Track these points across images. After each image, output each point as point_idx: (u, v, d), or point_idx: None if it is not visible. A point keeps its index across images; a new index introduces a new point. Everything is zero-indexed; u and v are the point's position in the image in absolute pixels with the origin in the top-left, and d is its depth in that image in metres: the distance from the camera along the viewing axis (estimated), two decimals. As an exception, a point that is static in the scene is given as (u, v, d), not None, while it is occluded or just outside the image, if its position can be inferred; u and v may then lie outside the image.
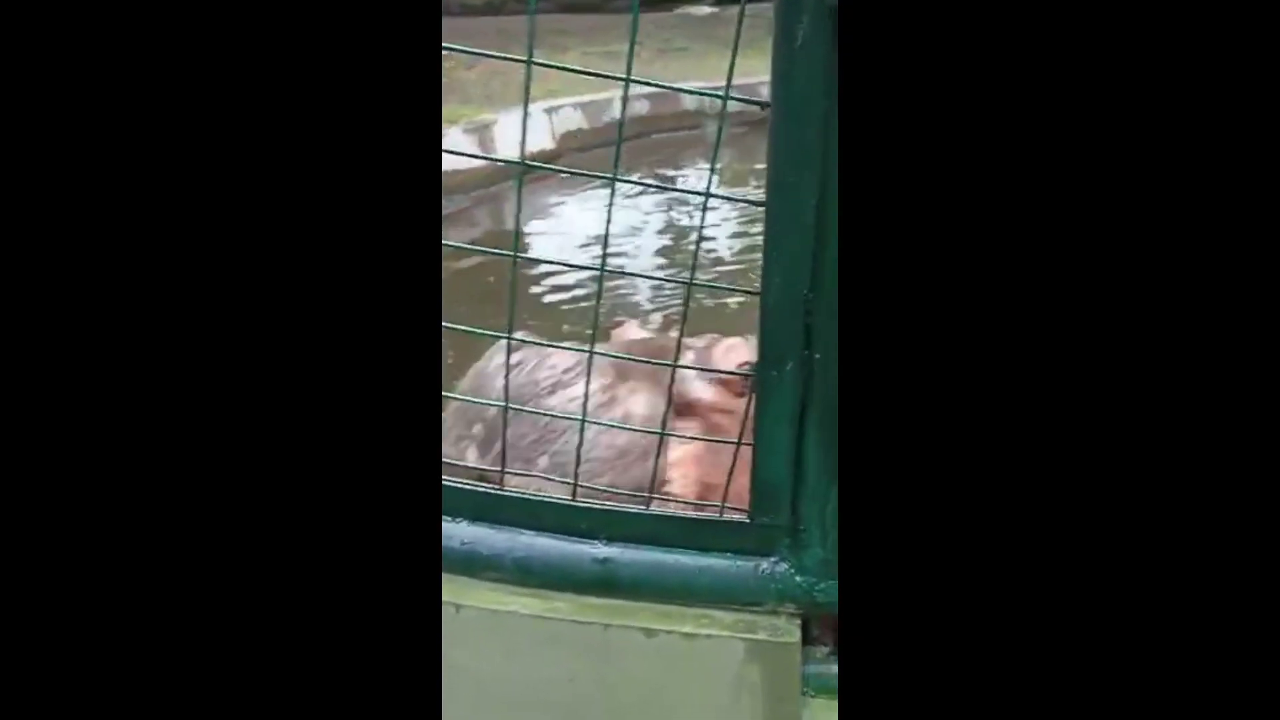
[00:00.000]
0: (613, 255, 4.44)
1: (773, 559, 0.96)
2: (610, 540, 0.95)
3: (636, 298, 3.81)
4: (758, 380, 0.87)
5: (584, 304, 3.58)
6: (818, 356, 0.84)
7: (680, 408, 1.42)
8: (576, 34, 7.19)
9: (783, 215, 0.79)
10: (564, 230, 4.63)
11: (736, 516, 0.95)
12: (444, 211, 4.53)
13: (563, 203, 4.85)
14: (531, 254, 4.33)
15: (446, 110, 5.05)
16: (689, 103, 5.91)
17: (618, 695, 0.96)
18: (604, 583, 0.95)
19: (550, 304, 3.60)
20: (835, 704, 1.01)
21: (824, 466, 0.89)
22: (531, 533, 0.95)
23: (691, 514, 0.99)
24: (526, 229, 4.59)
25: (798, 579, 0.95)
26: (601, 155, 5.15)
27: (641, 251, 4.47)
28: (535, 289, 3.71)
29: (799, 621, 0.97)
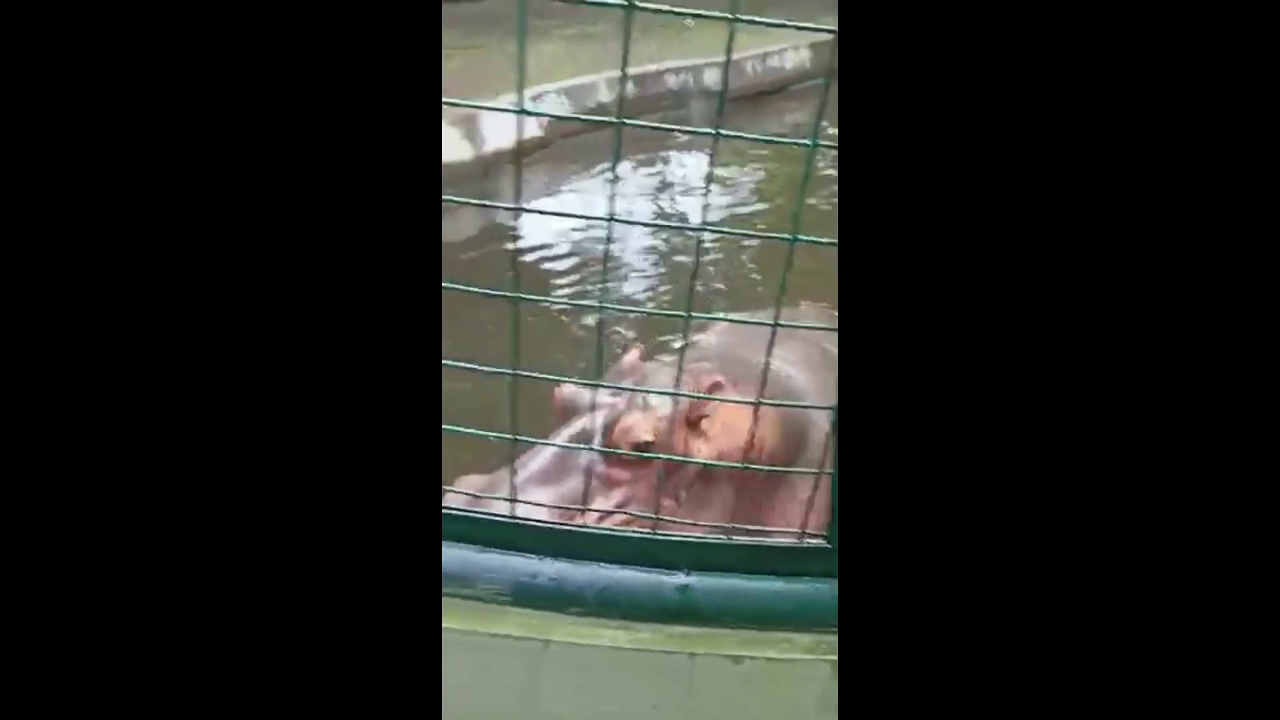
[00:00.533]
0: (603, 241, 4.47)
1: (850, 580, 0.97)
2: (690, 569, 0.96)
3: (627, 288, 3.88)
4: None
5: (572, 286, 3.65)
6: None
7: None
8: (554, 16, 7.07)
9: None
10: (555, 216, 4.65)
11: (816, 541, 0.97)
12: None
13: (556, 191, 4.82)
14: (523, 239, 4.35)
15: (432, 101, 4.96)
16: (672, 83, 5.87)
17: (702, 720, 0.98)
18: (686, 612, 0.96)
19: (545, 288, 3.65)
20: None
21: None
22: (614, 565, 0.96)
23: (770, 541, 1.00)
24: (519, 217, 4.58)
25: (875, 599, 0.97)
26: (590, 141, 5.11)
27: (630, 239, 4.52)
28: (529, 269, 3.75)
29: (876, 639, 0.99)
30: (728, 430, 1.62)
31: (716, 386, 1.55)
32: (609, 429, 1.56)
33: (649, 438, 1.53)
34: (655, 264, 4.05)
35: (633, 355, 1.86)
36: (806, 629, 0.97)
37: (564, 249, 4.07)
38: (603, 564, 0.96)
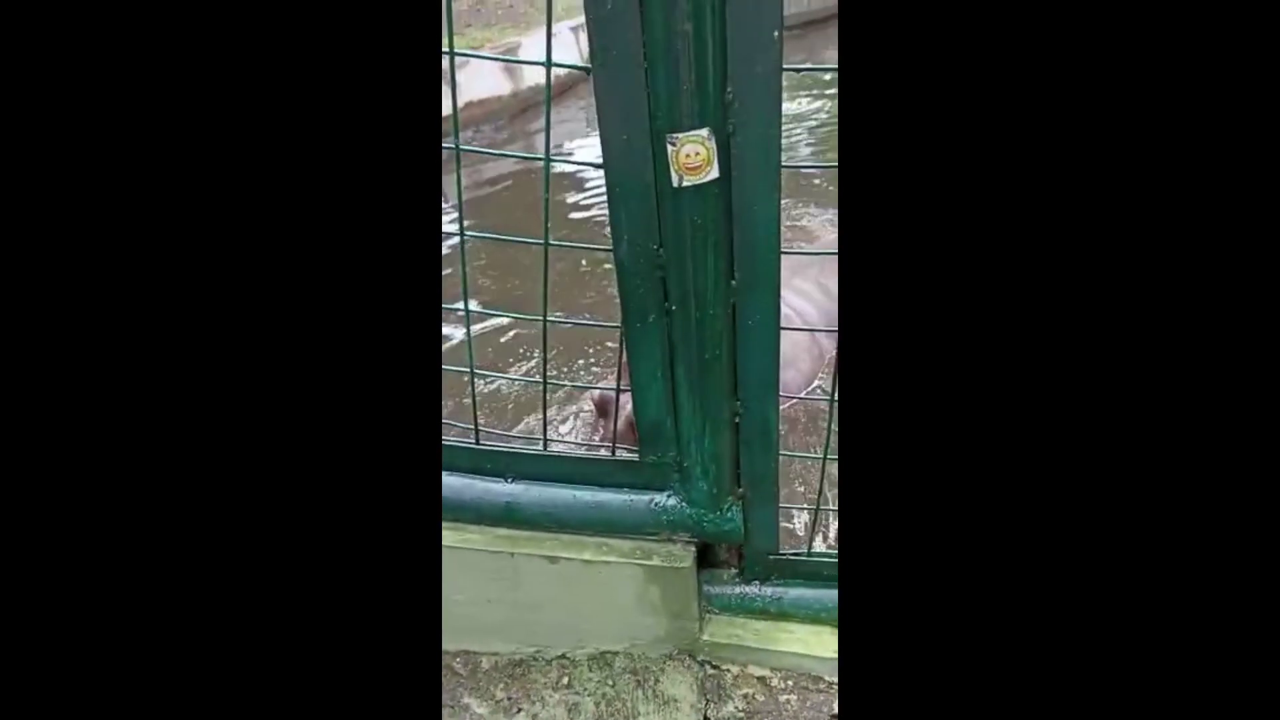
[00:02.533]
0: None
1: (665, 493, 1.03)
2: (514, 478, 1.04)
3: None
4: (624, 333, 0.92)
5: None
6: (674, 309, 0.88)
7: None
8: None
9: (622, 177, 0.82)
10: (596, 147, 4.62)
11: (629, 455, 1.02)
12: (477, 142, 4.58)
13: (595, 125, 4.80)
14: (570, 169, 4.36)
15: (473, 35, 5.01)
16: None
17: (531, 614, 1.07)
18: (509, 516, 1.04)
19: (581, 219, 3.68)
20: (735, 620, 1.09)
21: (695, 408, 0.94)
22: (445, 473, 1.05)
23: (587, 454, 1.06)
24: (562, 149, 4.61)
25: (687, 510, 1.02)
26: (631, 71, 5.03)
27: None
28: (571, 196, 3.78)
29: (693, 549, 1.04)
30: None
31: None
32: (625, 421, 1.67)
33: None
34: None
35: None
36: (621, 535, 1.04)
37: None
38: (435, 471, 1.05)
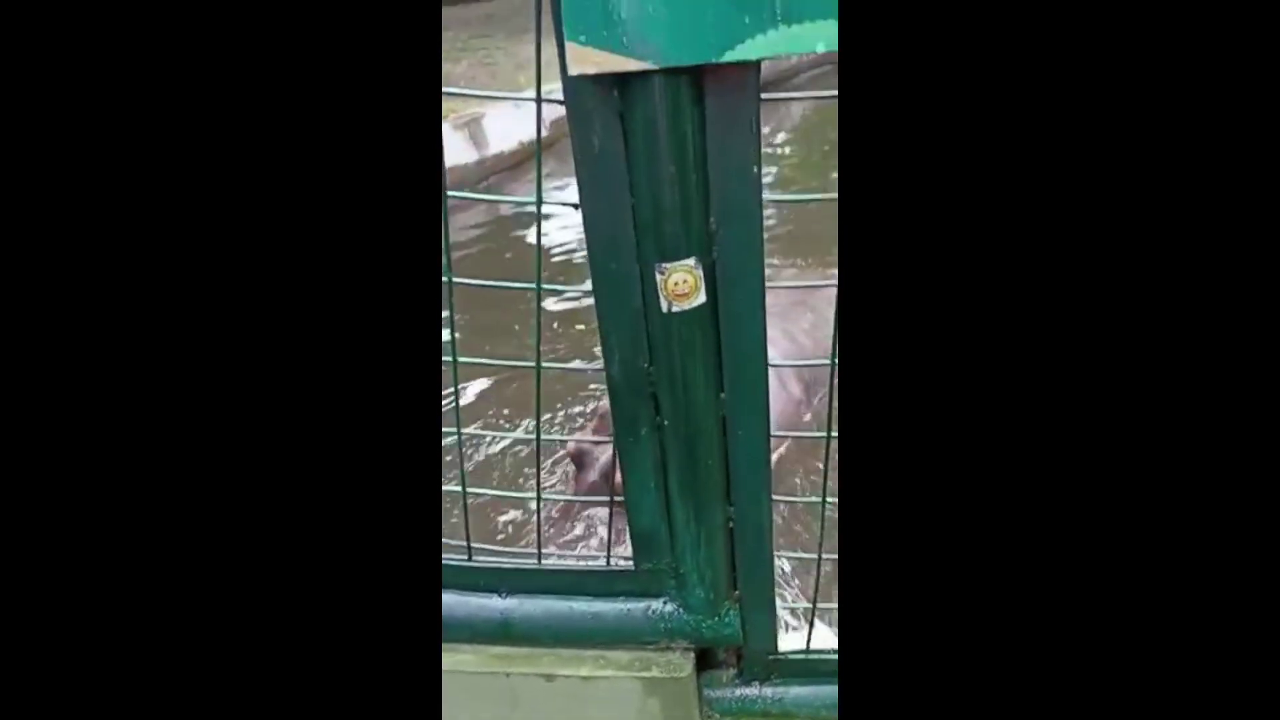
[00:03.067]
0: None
1: (662, 599, 1.02)
2: (508, 594, 1.03)
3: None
4: (617, 446, 0.93)
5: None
6: (666, 422, 0.89)
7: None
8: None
9: (612, 302, 0.83)
10: (565, 214, 4.69)
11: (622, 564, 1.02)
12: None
13: (561, 188, 4.88)
14: (549, 212, 4.39)
15: (434, 109, 5.07)
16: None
17: (529, 733, 1.05)
18: (505, 633, 1.02)
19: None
20: (737, 725, 1.08)
21: (689, 517, 0.95)
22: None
23: (581, 565, 1.05)
24: (527, 211, 4.65)
25: (685, 617, 1.01)
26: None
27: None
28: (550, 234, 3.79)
29: (692, 655, 1.03)
30: None
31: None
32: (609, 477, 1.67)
33: None
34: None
35: None
36: (621, 646, 1.03)
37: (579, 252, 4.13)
38: (426, 589, 1.03)
